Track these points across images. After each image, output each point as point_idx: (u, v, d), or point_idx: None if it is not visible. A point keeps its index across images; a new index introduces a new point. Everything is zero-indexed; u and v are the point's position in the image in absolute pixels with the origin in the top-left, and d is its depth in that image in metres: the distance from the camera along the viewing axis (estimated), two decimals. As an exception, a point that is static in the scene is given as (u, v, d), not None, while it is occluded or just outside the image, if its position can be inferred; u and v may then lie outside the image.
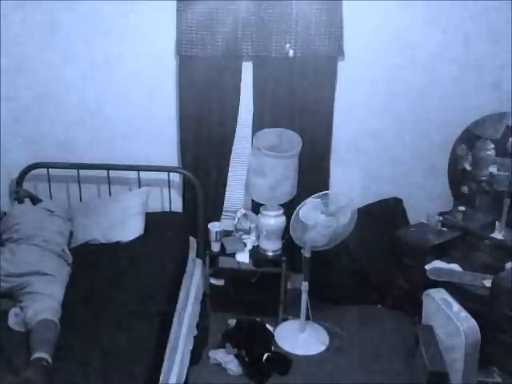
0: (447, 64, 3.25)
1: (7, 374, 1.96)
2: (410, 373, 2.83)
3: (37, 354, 2.01)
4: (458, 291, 2.83)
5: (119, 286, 2.57)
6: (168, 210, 3.51)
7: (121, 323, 2.28)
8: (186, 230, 3.29)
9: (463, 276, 2.96)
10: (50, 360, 2.01)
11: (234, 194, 3.60)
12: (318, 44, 3.12)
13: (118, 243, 3.03)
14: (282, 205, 3.26)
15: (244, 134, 3.44)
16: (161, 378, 2.20)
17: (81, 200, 3.43)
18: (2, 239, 2.80)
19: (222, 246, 3.32)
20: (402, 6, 3.12)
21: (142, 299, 2.47)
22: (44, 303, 2.30)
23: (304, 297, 3.14)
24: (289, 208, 3.20)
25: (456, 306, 2.65)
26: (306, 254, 3.06)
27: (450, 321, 2.58)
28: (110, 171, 3.37)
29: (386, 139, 3.44)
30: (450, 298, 2.72)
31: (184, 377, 2.54)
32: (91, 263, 2.80)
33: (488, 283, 2.79)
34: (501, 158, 3.26)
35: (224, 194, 3.54)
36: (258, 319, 3.23)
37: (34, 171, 3.38)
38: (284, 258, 3.24)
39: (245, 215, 3.44)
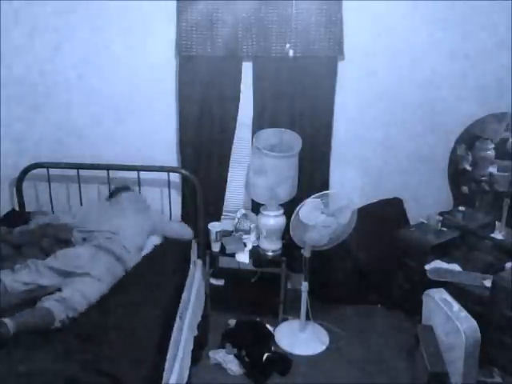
0: (447, 64, 3.25)
1: None
2: (410, 373, 2.83)
3: (5, 319, 2.12)
4: (458, 291, 2.83)
5: (123, 289, 2.58)
6: (168, 209, 3.52)
7: (124, 324, 2.29)
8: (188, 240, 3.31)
9: (463, 276, 2.95)
10: (9, 330, 2.09)
11: (234, 194, 3.60)
12: (318, 44, 3.13)
13: None
14: (281, 205, 3.26)
15: (244, 133, 3.43)
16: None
17: (81, 202, 3.44)
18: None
19: (222, 246, 3.32)
20: (402, 5, 3.12)
21: (146, 303, 2.48)
22: (64, 295, 2.35)
23: (304, 297, 3.14)
24: (289, 208, 3.20)
25: (456, 306, 2.65)
26: (306, 254, 3.05)
27: (450, 321, 2.58)
28: (110, 171, 3.37)
29: (385, 139, 3.44)
30: (449, 298, 2.72)
31: (185, 377, 2.54)
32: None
33: (488, 283, 2.79)
34: (500, 160, 3.26)
35: (224, 194, 3.54)
36: (258, 319, 3.24)
37: (34, 171, 3.38)
38: (284, 258, 3.24)
39: (245, 215, 3.44)
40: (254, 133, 3.31)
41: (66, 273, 2.56)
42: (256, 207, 3.41)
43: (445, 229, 3.25)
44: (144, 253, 3.02)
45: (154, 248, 3.08)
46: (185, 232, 3.27)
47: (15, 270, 2.55)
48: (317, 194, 2.93)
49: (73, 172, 3.39)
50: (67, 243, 2.86)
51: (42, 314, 2.25)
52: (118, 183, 3.38)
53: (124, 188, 3.33)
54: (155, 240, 3.15)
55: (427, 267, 3.06)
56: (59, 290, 2.45)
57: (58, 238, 2.88)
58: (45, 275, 2.53)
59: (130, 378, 1.98)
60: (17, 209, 3.46)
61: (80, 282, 2.49)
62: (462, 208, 3.32)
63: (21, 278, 2.49)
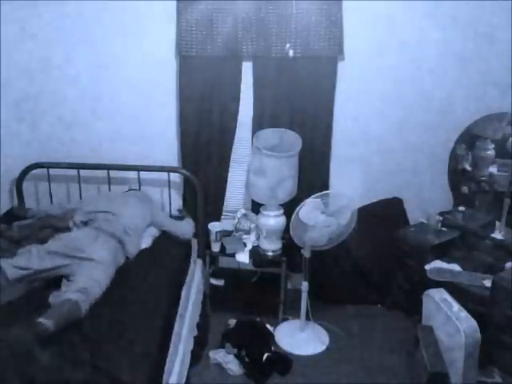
0: (447, 64, 3.25)
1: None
2: (410, 373, 2.83)
3: (41, 319, 2.09)
4: (458, 291, 2.83)
5: (124, 289, 2.57)
6: (168, 209, 3.52)
7: (124, 323, 2.30)
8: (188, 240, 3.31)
9: (463, 276, 2.96)
10: (51, 328, 2.08)
11: (234, 194, 3.60)
12: (318, 44, 3.13)
13: None
14: (282, 205, 3.26)
15: (244, 134, 3.43)
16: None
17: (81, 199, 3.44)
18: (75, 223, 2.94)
19: (222, 246, 3.32)
20: (402, 5, 3.12)
21: (147, 301, 2.49)
22: (82, 284, 2.37)
23: (304, 297, 3.14)
24: (289, 208, 3.20)
25: (456, 306, 2.65)
26: (306, 254, 3.05)
27: (450, 321, 2.58)
28: (110, 171, 3.37)
29: (385, 139, 3.45)
30: (449, 298, 2.72)
31: (185, 377, 2.55)
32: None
33: (488, 283, 2.79)
34: (501, 159, 3.26)
35: (224, 194, 3.54)
36: (258, 319, 3.23)
37: (34, 171, 3.39)
38: (284, 258, 3.24)
39: (245, 215, 3.44)
40: (253, 133, 3.31)
41: (66, 256, 2.58)
42: (256, 207, 3.41)
43: (445, 229, 3.26)
44: (144, 245, 3.02)
45: (153, 242, 3.08)
46: (182, 229, 3.24)
47: (17, 254, 2.58)
48: (317, 194, 2.93)
49: (73, 172, 3.39)
50: (65, 231, 2.87)
51: (71, 307, 2.25)
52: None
53: (135, 189, 3.45)
54: (155, 232, 3.15)
55: (427, 267, 3.06)
56: (64, 277, 2.49)
57: (56, 227, 2.90)
58: (45, 259, 2.55)
59: (131, 377, 1.99)
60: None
61: (89, 268, 2.50)
62: (461, 208, 3.32)
63: (19, 263, 2.51)
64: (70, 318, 2.21)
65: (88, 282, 2.41)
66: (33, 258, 2.54)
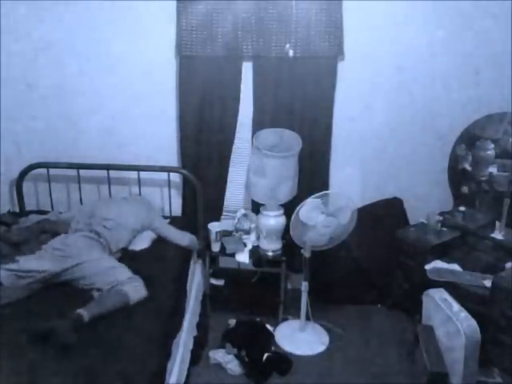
0: (447, 64, 3.25)
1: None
2: (410, 373, 2.83)
3: (78, 310, 2.24)
4: (458, 291, 2.83)
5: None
6: (168, 209, 3.52)
7: (125, 324, 2.30)
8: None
9: (463, 276, 2.96)
10: (85, 319, 2.22)
11: (234, 194, 3.60)
12: (318, 44, 3.13)
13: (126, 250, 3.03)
14: (282, 205, 3.26)
15: (244, 133, 3.43)
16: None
17: (81, 202, 3.44)
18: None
19: (222, 246, 3.32)
20: (402, 5, 3.12)
21: (147, 302, 2.49)
22: (123, 276, 2.54)
23: (304, 297, 3.14)
24: (289, 208, 3.20)
25: (456, 306, 2.65)
26: (306, 253, 3.05)
27: (450, 321, 2.59)
28: (110, 171, 3.37)
29: (385, 139, 3.45)
30: (449, 298, 2.72)
31: (184, 377, 2.55)
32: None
33: (488, 283, 2.79)
34: (501, 159, 3.26)
35: (224, 194, 3.54)
36: (258, 319, 3.23)
37: (34, 171, 3.39)
38: (284, 258, 3.24)
39: (245, 215, 3.44)
40: (253, 133, 3.30)
41: (56, 257, 2.63)
42: (256, 207, 3.41)
43: (445, 229, 3.25)
44: (144, 245, 3.03)
45: (153, 243, 3.08)
46: (181, 239, 3.15)
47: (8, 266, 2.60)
48: (317, 194, 2.93)
49: (73, 172, 3.39)
50: None
51: (119, 298, 2.40)
52: None
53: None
54: (153, 234, 3.15)
55: (427, 267, 3.06)
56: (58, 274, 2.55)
57: (56, 232, 2.90)
58: (34, 263, 2.59)
59: (132, 378, 1.99)
60: (17, 209, 3.46)
61: (92, 264, 2.60)
62: (462, 208, 3.32)
63: (11, 267, 2.55)
64: (114, 308, 2.35)
65: (119, 271, 2.58)
66: (21, 263, 2.57)
